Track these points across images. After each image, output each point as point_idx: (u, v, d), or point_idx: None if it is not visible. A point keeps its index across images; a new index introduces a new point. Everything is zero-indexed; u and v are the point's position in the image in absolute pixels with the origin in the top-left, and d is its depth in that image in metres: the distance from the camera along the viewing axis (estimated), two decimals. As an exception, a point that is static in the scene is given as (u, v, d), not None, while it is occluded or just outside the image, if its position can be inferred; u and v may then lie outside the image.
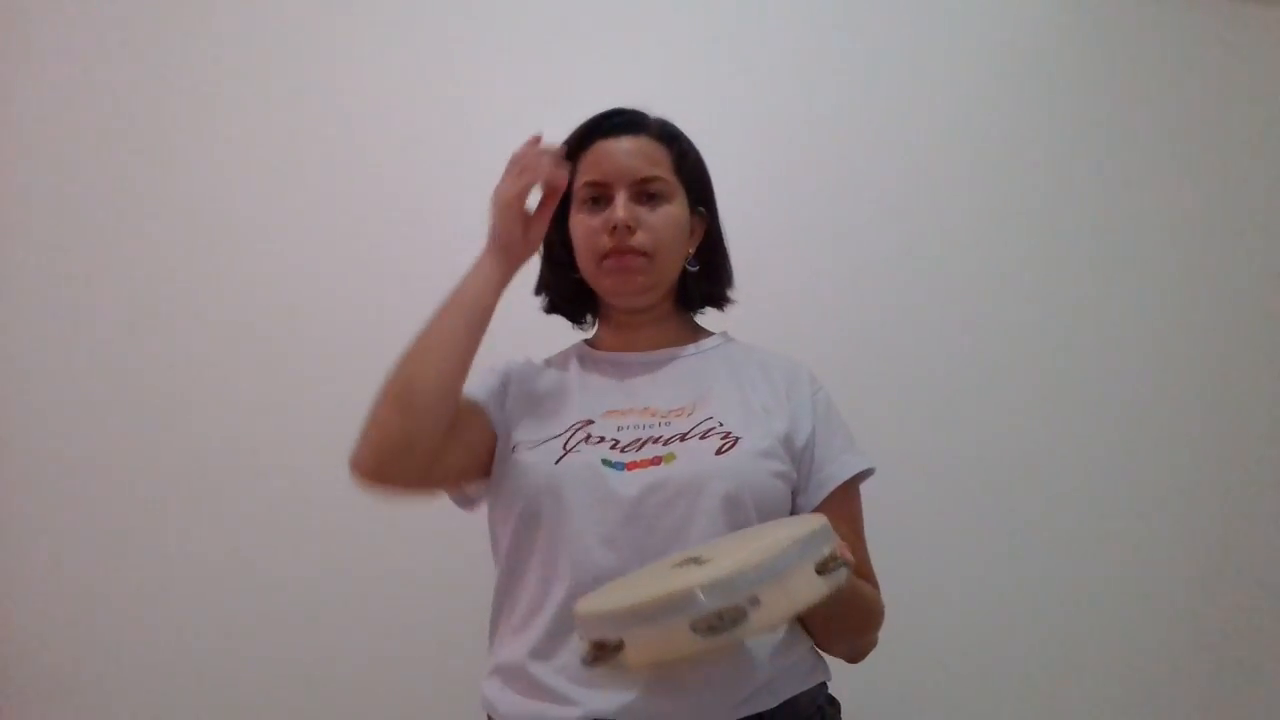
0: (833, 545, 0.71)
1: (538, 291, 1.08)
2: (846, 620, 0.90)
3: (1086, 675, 1.69)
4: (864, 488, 0.97)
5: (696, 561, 0.74)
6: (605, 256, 0.95)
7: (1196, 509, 1.78)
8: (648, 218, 0.95)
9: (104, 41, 1.57)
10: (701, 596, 0.64)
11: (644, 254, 0.94)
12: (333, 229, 1.58)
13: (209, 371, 1.52)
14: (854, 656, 0.96)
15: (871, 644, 0.96)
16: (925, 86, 1.81)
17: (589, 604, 0.73)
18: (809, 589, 0.67)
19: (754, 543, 0.74)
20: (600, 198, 0.96)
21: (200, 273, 1.54)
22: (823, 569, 0.68)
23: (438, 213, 1.59)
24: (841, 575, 0.70)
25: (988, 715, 1.66)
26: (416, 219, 1.60)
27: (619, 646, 0.67)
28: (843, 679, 0.97)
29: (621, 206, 0.94)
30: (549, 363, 1.06)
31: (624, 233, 0.93)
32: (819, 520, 0.73)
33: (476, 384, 0.96)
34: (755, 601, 0.65)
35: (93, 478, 1.46)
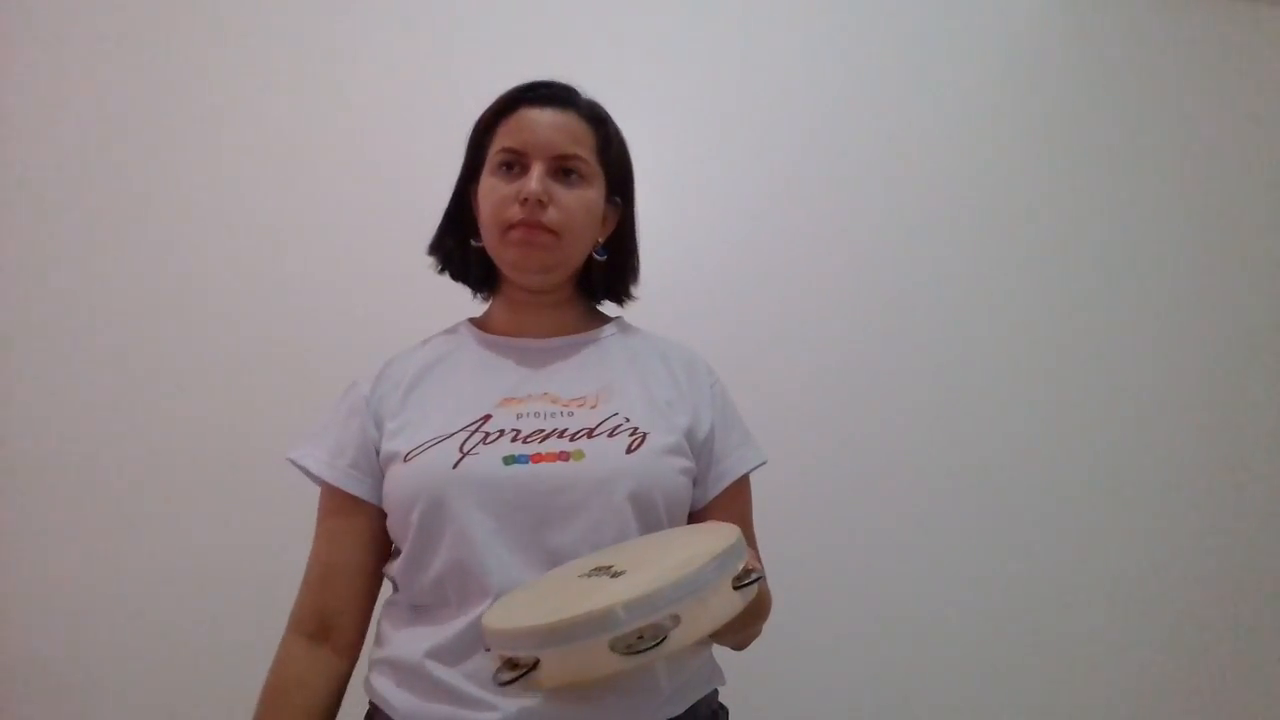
0: (745, 559, 0.71)
1: (431, 251, 1.02)
2: (749, 613, 0.91)
3: (1083, 675, 1.73)
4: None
5: (607, 571, 0.73)
6: (512, 227, 0.90)
7: (1195, 510, 1.82)
8: (562, 196, 0.91)
9: (103, 41, 1.58)
10: (623, 614, 0.63)
11: (552, 232, 0.90)
12: (331, 228, 1.60)
13: (208, 371, 1.54)
14: (740, 646, 0.99)
15: (758, 634, 0.99)
16: (924, 86, 1.83)
17: (498, 618, 0.70)
18: (726, 605, 0.68)
19: (666, 553, 0.73)
20: (515, 165, 0.92)
21: (200, 273, 1.56)
22: (738, 583, 0.69)
23: (437, 212, 1.55)
24: (754, 590, 0.70)
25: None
26: (415, 217, 1.57)
27: (534, 665, 0.65)
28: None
29: (536, 179, 0.89)
30: (428, 347, 0.99)
31: (535, 206, 0.89)
32: (732, 533, 0.73)
33: (330, 463, 0.92)
34: (676, 619, 0.65)
35: (92, 478, 1.48)
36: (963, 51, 1.86)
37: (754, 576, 0.70)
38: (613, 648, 0.63)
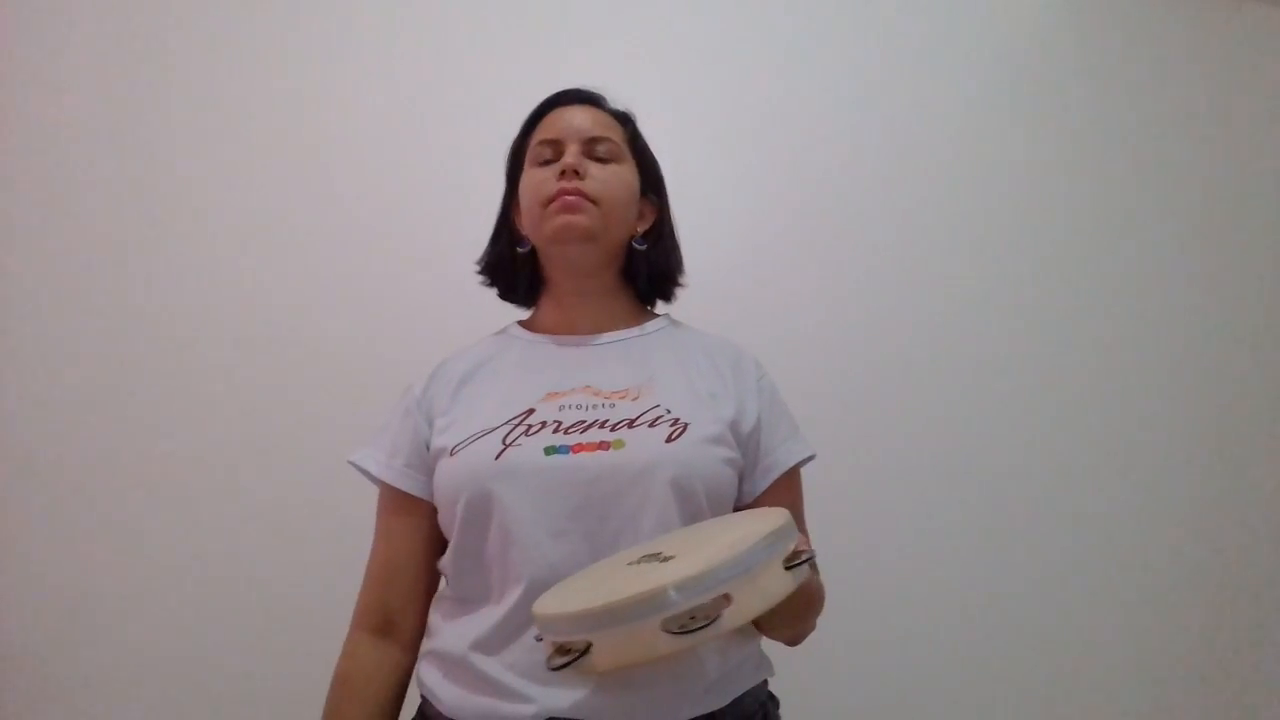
0: (796, 539, 0.71)
1: (482, 269, 1.04)
2: (795, 610, 0.90)
3: (1081, 677, 1.72)
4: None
5: (656, 558, 0.72)
6: (552, 200, 0.93)
7: (1198, 510, 1.81)
8: (598, 169, 0.95)
9: (103, 45, 1.59)
10: (674, 595, 0.63)
11: (592, 200, 0.93)
12: (330, 230, 1.60)
13: (208, 372, 1.54)
14: (794, 641, 0.98)
15: (812, 629, 0.98)
16: (924, 86, 1.83)
17: (550, 605, 0.70)
18: (778, 585, 0.67)
19: (715, 538, 0.73)
20: (553, 156, 0.96)
21: (200, 274, 1.56)
22: (789, 564, 0.68)
23: (436, 214, 1.61)
24: (806, 570, 0.70)
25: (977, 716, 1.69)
26: (414, 220, 1.62)
27: (586, 649, 0.65)
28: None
29: (572, 155, 0.94)
30: (478, 347, 1.01)
31: (572, 175, 0.92)
32: (782, 515, 0.73)
33: (388, 463, 0.94)
34: (727, 599, 0.64)
35: (92, 478, 1.48)
36: (964, 52, 1.86)
37: (805, 557, 0.69)
38: (665, 628, 0.63)
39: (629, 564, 0.74)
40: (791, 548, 0.70)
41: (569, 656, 0.65)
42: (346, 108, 1.64)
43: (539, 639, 0.74)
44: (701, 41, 1.76)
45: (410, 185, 1.63)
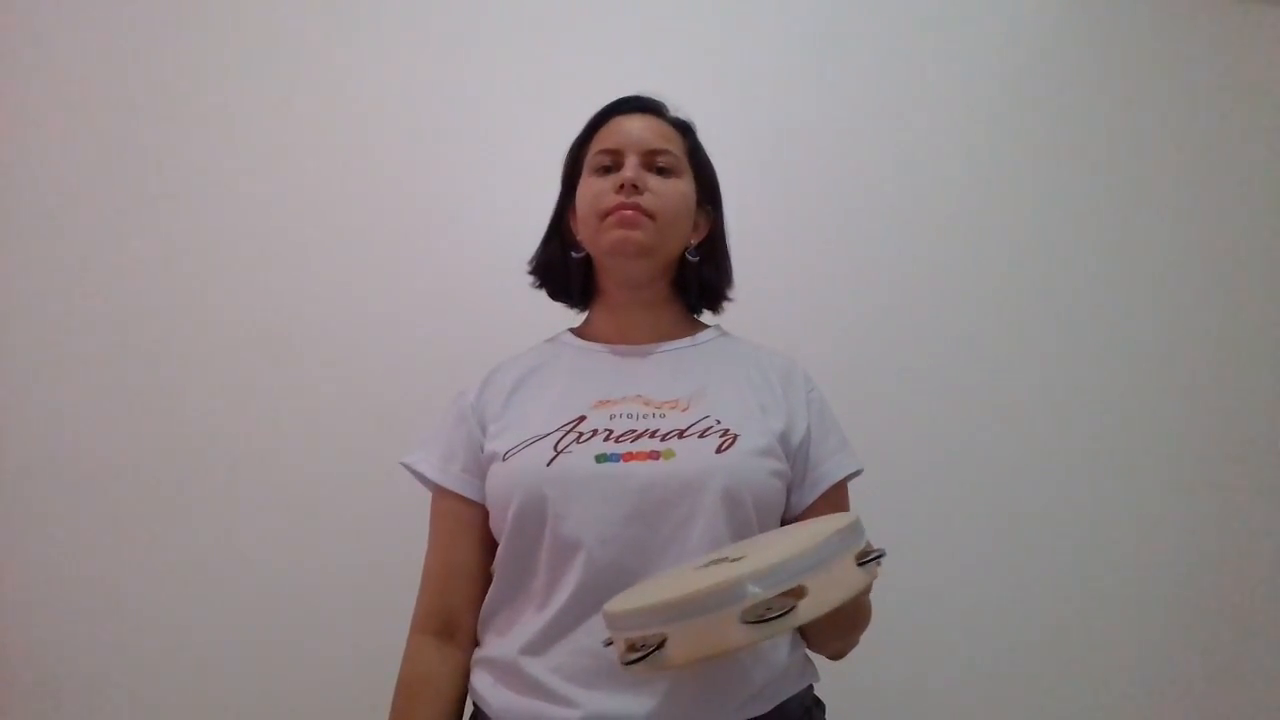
0: (866, 538, 0.71)
1: (533, 270, 1.06)
2: (850, 618, 0.90)
3: (1084, 674, 1.71)
4: (864, 486, 0.99)
5: (725, 560, 0.73)
6: (610, 213, 0.94)
7: (1197, 506, 1.80)
8: (656, 184, 0.95)
9: (108, 42, 1.58)
10: (752, 585, 0.63)
11: (649, 215, 0.94)
12: (335, 229, 1.60)
13: (210, 372, 1.54)
14: (839, 654, 0.97)
15: (857, 642, 0.97)
16: (925, 86, 1.86)
17: (623, 602, 0.70)
18: (852, 579, 0.67)
19: (783, 540, 0.73)
20: (612, 166, 0.96)
21: (203, 273, 1.56)
22: (861, 560, 0.68)
23: (442, 213, 1.61)
24: (877, 568, 0.70)
25: (984, 715, 1.68)
26: (421, 219, 1.61)
27: (660, 643, 0.65)
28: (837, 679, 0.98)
29: (631, 167, 0.94)
30: (530, 354, 1.03)
31: (631, 190, 0.93)
32: (851, 514, 0.73)
33: (444, 468, 0.95)
34: (802, 591, 0.64)
35: (94, 478, 1.48)
36: (962, 52, 1.88)
37: (877, 553, 0.69)
38: (743, 619, 0.63)
39: (696, 568, 0.75)
40: (863, 545, 0.70)
41: (643, 651, 0.65)
42: (356, 108, 1.64)
43: (608, 643, 0.74)
44: (702, 43, 1.78)
45: (423, 189, 1.62)
